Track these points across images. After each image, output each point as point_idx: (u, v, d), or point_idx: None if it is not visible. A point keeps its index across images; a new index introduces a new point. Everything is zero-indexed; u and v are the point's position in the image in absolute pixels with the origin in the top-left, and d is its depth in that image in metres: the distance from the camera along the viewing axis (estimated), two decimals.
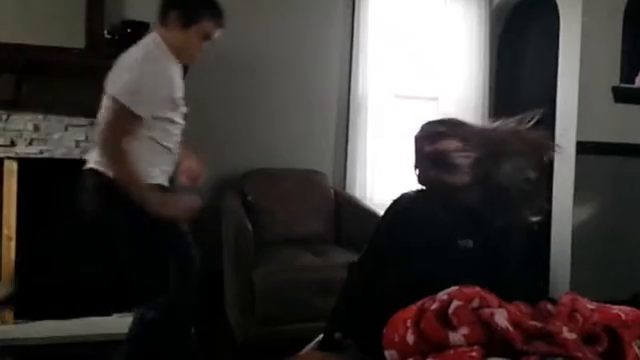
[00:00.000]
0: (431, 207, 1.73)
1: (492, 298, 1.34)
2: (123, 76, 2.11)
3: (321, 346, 1.65)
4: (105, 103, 2.17)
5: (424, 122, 1.82)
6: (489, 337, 1.26)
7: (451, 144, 1.72)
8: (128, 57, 2.18)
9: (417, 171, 1.78)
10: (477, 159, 1.69)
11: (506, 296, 1.46)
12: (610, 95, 3.65)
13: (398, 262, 1.73)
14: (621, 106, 3.65)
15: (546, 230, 3.82)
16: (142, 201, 2.04)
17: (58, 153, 3.10)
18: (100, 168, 2.19)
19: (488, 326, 1.27)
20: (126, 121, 2.07)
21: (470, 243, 1.67)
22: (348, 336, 1.65)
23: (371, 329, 1.57)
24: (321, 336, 1.73)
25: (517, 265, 1.71)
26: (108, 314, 3.19)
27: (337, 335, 1.66)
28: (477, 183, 1.70)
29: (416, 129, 1.80)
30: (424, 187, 1.79)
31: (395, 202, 1.84)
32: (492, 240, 1.66)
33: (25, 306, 3.05)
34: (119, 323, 3.15)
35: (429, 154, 1.72)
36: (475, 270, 1.64)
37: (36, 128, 3.07)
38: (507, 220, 1.67)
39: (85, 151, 3.12)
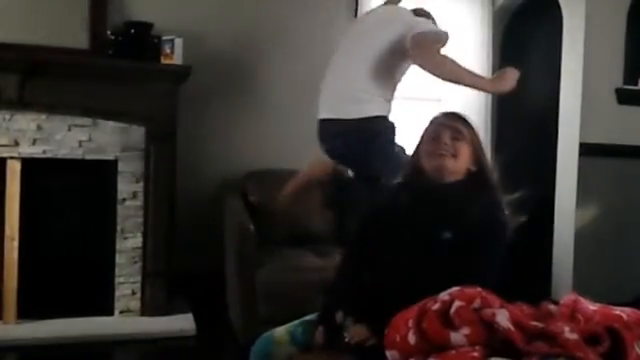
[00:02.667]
0: (413, 197, 1.74)
1: (493, 298, 1.34)
2: None
3: (320, 323, 1.67)
4: None
5: (444, 113, 1.85)
6: (491, 337, 1.26)
7: (464, 144, 1.74)
8: None
9: (416, 158, 1.79)
10: (475, 157, 1.75)
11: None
12: (613, 97, 3.65)
13: (379, 258, 1.76)
14: (624, 108, 3.65)
15: (548, 232, 3.82)
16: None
17: (61, 153, 3.11)
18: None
19: (490, 326, 1.27)
20: None
21: (449, 235, 1.68)
22: (348, 314, 1.65)
23: (366, 305, 1.63)
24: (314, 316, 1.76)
25: (492, 258, 1.72)
26: (111, 314, 3.20)
27: (338, 316, 1.66)
28: (464, 179, 1.74)
29: (436, 117, 1.82)
30: (409, 176, 1.80)
31: (383, 192, 1.88)
32: (470, 232, 1.67)
33: (28, 306, 3.05)
34: (121, 323, 3.17)
35: (439, 145, 1.72)
36: (454, 262, 1.65)
37: (39, 128, 3.08)
38: (485, 212, 1.68)
39: (88, 151, 3.14)
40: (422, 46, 2.45)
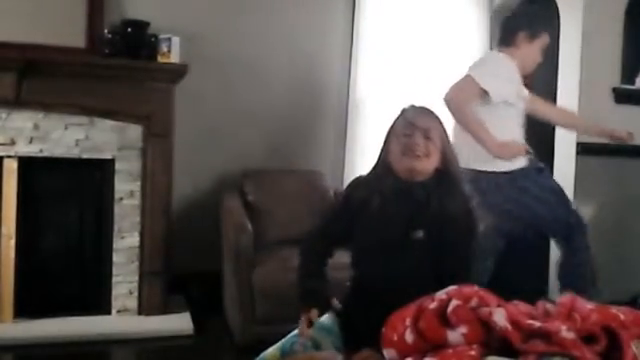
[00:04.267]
0: (385, 198, 1.74)
1: (490, 297, 1.34)
2: None
3: (303, 300, 1.71)
4: None
5: (412, 107, 1.83)
6: (488, 336, 1.27)
7: (434, 142, 1.73)
8: None
9: (385, 155, 1.78)
10: (444, 155, 1.75)
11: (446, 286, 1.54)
12: (611, 96, 3.65)
13: (355, 255, 1.80)
14: (621, 107, 3.65)
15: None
16: None
17: (58, 152, 3.10)
18: None
19: (487, 325, 1.27)
20: None
21: (421, 234, 1.69)
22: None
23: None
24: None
25: (464, 254, 1.73)
26: (108, 313, 3.20)
27: (335, 303, 1.73)
28: (434, 178, 1.74)
29: (406, 111, 1.81)
30: (380, 175, 1.79)
31: (352, 189, 1.84)
32: (441, 230, 1.68)
33: (25, 305, 3.04)
34: (119, 322, 3.16)
35: (412, 146, 1.71)
36: (426, 260, 1.68)
37: (36, 127, 3.07)
38: (455, 210, 1.69)
39: (85, 150, 3.13)
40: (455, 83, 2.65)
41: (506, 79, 2.71)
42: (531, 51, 2.83)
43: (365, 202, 1.76)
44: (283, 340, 1.76)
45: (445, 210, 1.69)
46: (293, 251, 3.19)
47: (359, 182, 1.85)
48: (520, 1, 3.34)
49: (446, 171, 1.75)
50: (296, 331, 1.77)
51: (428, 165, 1.72)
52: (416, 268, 1.68)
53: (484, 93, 2.63)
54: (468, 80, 2.65)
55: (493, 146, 2.60)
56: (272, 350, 1.73)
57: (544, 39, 2.85)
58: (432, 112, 1.81)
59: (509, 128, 2.74)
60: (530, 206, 2.74)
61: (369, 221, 1.75)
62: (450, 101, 2.60)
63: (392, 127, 1.80)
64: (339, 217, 1.85)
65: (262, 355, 1.73)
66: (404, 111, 1.81)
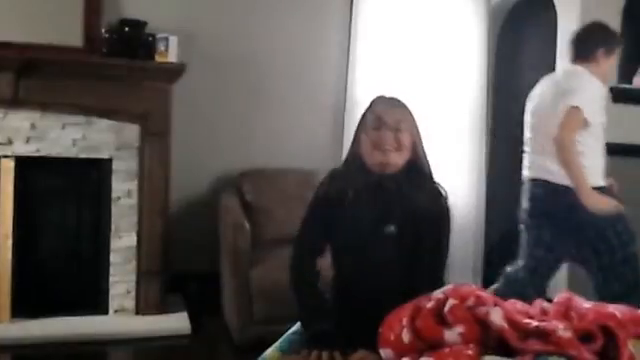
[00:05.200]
0: (357, 193, 1.73)
1: (487, 297, 1.34)
2: None
3: (314, 343, 1.60)
4: None
5: (381, 98, 1.81)
6: (485, 335, 1.27)
7: (405, 134, 1.71)
8: None
9: (357, 148, 1.75)
10: (414, 147, 1.73)
11: (421, 281, 1.58)
12: (608, 95, 3.65)
13: (333, 253, 1.78)
14: (619, 106, 3.65)
15: None
16: None
17: (55, 151, 3.10)
18: None
19: (484, 324, 1.27)
20: None
21: (392, 228, 1.68)
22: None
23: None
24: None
25: (440, 252, 1.72)
26: (105, 313, 3.19)
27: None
28: (404, 170, 1.72)
29: (376, 103, 1.78)
30: (351, 170, 1.76)
31: (325, 187, 1.81)
32: (413, 224, 1.67)
33: (22, 305, 3.04)
34: (117, 322, 3.16)
35: (383, 139, 1.69)
36: (399, 256, 1.67)
37: (33, 126, 3.06)
38: (425, 203, 1.68)
39: (82, 149, 3.13)
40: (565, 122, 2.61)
41: (599, 100, 2.71)
42: (608, 66, 2.84)
43: (339, 198, 1.74)
44: (281, 340, 1.75)
45: (416, 204, 1.67)
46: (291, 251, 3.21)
47: (331, 178, 1.81)
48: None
49: (417, 164, 1.73)
50: (293, 329, 1.76)
51: (399, 158, 1.70)
52: (390, 264, 1.67)
53: (586, 122, 2.61)
54: (576, 113, 2.58)
55: (587, 196, 2.58)
56: (271, 351, 1.72)
57: (617, 54, 2.89)
58: (402, 103, 1.79)
59: (597, 150, 2.73)
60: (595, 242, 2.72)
61: (343, 217, 1.73)
62: (562, 141, 2.59)
63: (362, 120, 1.77)
64: (316, 222, 1.80)
65: (263, 355, 1.72)
66: (373, 103, 1.78)
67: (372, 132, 1.71)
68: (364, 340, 1.49)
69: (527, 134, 2.93)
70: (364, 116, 1.78)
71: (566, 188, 2.62)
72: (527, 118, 2.93)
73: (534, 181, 2.81)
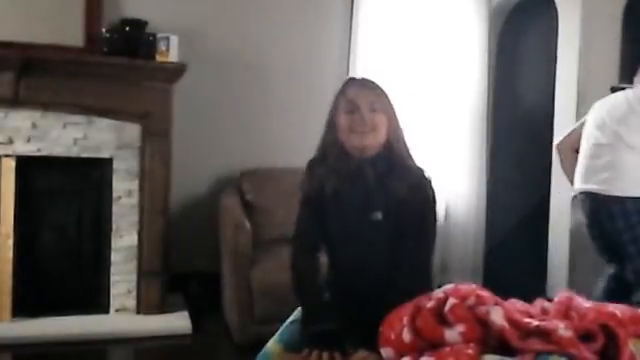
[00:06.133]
0: (341, 179, 1.71)
1: (488, 296, 1.34)
2: None
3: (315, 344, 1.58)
4: None
5: (353, 80, 1.79)
6: (485, 334, 1.27)
7: (381, 115, 1.69)
8: None
9: (334, 132, 1.73)
10: (391, 127, 1.71)
11: (409, 265, 1.60)
12: (609, 95, 3.65)
13: (325, 244, 1.77)
14: None
15: (544, 231, 3.82)
16: None
17: (56, 151, 3.10)
18: None
19: (484, 323, 1.27)
20: None
21: (379, 215, 1.67)
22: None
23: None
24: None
25: (428, 236, 1.71)
26: (106, 312, 3.19)
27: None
28: (384, 152, 1.70)
29: (349, 85, 1.75)
30: (331, 155, 1.74)
31: (309, 176, 1.79)
32: (395, 209, 1.66)
33: (23, 304, 3.04)
34: (117, 321, 3.16)
35: (358, 121, 1.67)
36: (386, 242, 1.66)
37: (34, 126, 3.07)
38: (405, 187, 1.66)
39: (83, 149, 3.13)
40: None
41: None
42: None
43: (323, 190, 1.73)
44: (280, 331, 1.75)
45: (398, 188, 1.65)
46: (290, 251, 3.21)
47: (311, 172, 1.79)
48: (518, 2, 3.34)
49: (394, 145, 1.71)
50: (292, 317, 1.76)
51: (376, 139, 1.68)
52: (380, 250, 1.66)
53: None
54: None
55: None
56: (272, 343, 1.72)
57: None
58: (375, 84, 1.76)
59: None
60: None
61: (331, 208, 1.72)
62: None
63: (335, 104, 1.75)
64: (310, 218, 1.78)
65: (264, 349, 1.72)
66: (345, 87, 1.75)
67: (347, 116, 1.69)
68: (360, 329, 1.50)
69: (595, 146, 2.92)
70: (337, 100, 1.74)
71: None
72: (593, 131, 2.93)
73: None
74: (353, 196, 1.70)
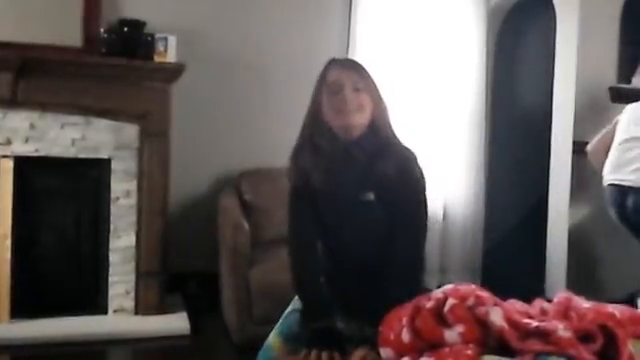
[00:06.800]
0: (331, 165, 1.70)
1: (487, 296, 1.34)
2: None
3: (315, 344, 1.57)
4: None
5: (335, 61, 1.77)
6: (484, 335, 1.27)
7: (365, 94, 1.69)
8: None
9: (320, 114, 1.72)
10: (375, 106, 1.70)
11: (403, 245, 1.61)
12: (607, 95, 3.66)
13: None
14: (618, 106, 3.65)
15: (542, 230, 3.83)
16: None
17: (54, 152, 3.10)
18: None
19: (484, 324, 1.27)
20: None
21: (371, 196, 1.67)
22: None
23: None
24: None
25: (419, 213, 1.70)
26: (104, 313, 3.19)
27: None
28: (370, 132, 1.69)
29: (331, 66, 1.74)
30: (318, 137, 1.72)
31: (295, 164, 1.77)
32: (388, 189, 1.66)
33: (21, 305, 3.04)
34: (116, 322, 3.16)
35: (343, 102, 1.66)
36: (380, 222, 1.66)
37: (32, 126, 3.06)
38: (393, 166, 1.66)
39: (81, 150, 3.13)
40: None
41: None
42: None
43: (310, 175, 1.71)
44: (280, 322, 1.75)
45: (385, 167, 1.65)
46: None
47: (296, 157, 1.78)
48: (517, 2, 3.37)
49: (379, 124, 1.70)
50: (289, 309, 1.76)
51: (362, 119, 1.67)
52: (375, 230, 1.67)
53: None
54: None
55: None
56: (272, 336, 1.72)
57: None
58: (358, 64, 1.76)
59: None
60: None
61: (320, 191, 1.71)
62: None
63: (319, 86, 1.74)
64: (303, 210, 1.76)
65: (265, 343, 1.72)
66: (328, 68, 1.74)
67: (332, 97, 1.69)
68: (358, 315, 1.54)
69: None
70: (320, 82, 1.74)
71: None
72: (628, 127, 3.01)
73: None
74: (343, 178, 1.70)
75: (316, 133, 1.73)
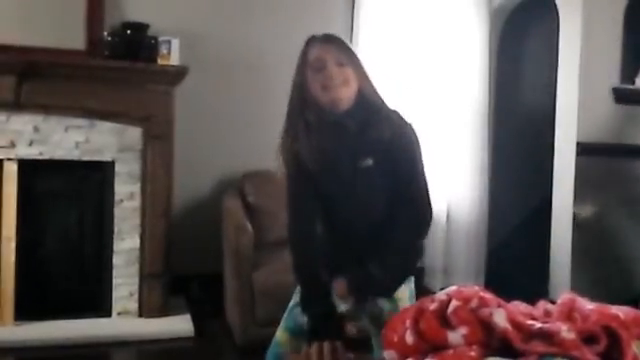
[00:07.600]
0: (324, 139, 1.70)
1: (491, 298, 1.34)
2: None
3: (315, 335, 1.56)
4: None
5: (315, 38, 1.78)
6: (488, 337, 1.26)
7: (348, 67, 1.69)
8: None
9: (305, 88, 1.72)
10: (359, 77, 1.70)
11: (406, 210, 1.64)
12: (610, 96, 3.65)
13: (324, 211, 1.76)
14: (621, 107, 3.65)
15: (546, 230, 3.82)
16: None
17: (58, 154, 3.11)
18: None
19: (487, 326, 1.27)
20: None
21: (370, 161, 1.67)
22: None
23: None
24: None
25: (411, 175, 1.71)
26: (108, 315, 3.19)
27: (349, 329, 1.64)
28: (359, 103, 1.70)
29: (311, 44, 1.76)
30: (309, 113, 1.72)
31: (287, 151, 1.78)
32: (385, 154, 1.66)
33: (25, 307, 3.04)
34: (120, 324, 3.16)
35: (329, 77, 1.67)
36: (380, 188, 1.67)
37: (36, 129, 3.07)
38: (391, 133, 1.66)
39: (85, 152, 3.14)
40: None
41: None
42: None
43: (301, 155, 1.72)
44: (285, 317, 1.75)
45: (380, 133, 1.66)
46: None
47: (285, 141, 1.79)
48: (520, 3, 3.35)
49: (367, 95, 1.71)
50: (292, 302, 1.76)
51: (349, 92, 1.68)
52: (376, 195, 1.68)
53: None
54: None
55: None
56: (279, 331, 1.73)
57: None
58: (338, 38, 1.77)
59: None
60: None
61: (316, 168, 1.71)
62: None
63: (301, 65, 1.76)
64: (301, 188, 1.76)
65: (274, 340, 1.73)
66: (309, 46, 1.76)
67: (316, 74, 1.70)
68: (361, 284, 1.60)
69: None
70: (302, 61, 1.75)
71: None
72: None
73: None
74: (339, 149, 1.70)
75: (305, 112, 1.73)
